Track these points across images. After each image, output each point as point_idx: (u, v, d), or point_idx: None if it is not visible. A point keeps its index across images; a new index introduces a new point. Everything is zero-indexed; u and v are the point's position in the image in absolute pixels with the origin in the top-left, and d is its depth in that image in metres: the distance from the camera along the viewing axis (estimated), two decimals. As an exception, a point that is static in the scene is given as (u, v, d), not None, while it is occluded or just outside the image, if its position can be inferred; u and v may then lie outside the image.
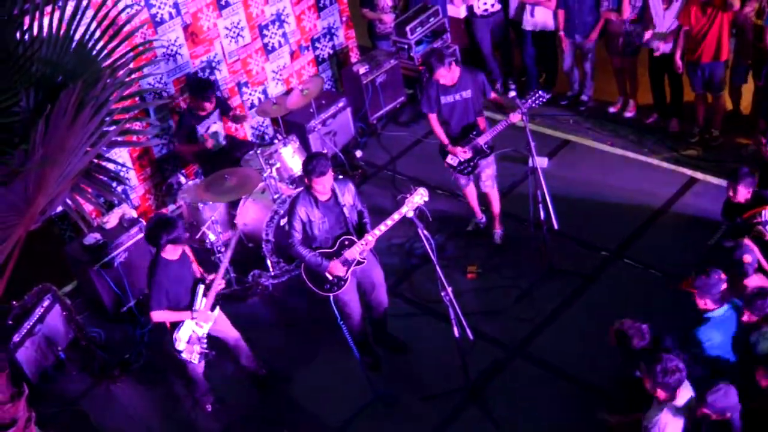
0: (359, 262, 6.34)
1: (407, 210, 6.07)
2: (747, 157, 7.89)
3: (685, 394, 5.04)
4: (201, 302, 6.22)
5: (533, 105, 7.07)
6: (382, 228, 6.19)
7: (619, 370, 5.85)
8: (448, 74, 7.06)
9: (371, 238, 6.22)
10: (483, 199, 7.72)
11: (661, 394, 5.02)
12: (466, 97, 7.14)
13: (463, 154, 7.26)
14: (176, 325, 6.20)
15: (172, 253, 6.08)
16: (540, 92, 7.06)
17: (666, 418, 5.02)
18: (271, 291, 7.75)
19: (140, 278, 7.78)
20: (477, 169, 7.37)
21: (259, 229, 7.60)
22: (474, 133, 7.23)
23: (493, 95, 7.27)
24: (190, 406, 6.85)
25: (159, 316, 6.15)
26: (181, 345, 6.23)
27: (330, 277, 6.30)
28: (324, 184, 6.11)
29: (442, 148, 7.38)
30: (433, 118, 7.31)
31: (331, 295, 6.40)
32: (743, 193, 6.46)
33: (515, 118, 6.97)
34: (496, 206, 7.67)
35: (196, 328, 6.26)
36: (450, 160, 7.37)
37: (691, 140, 8.56)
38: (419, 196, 6.13)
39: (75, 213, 4.47)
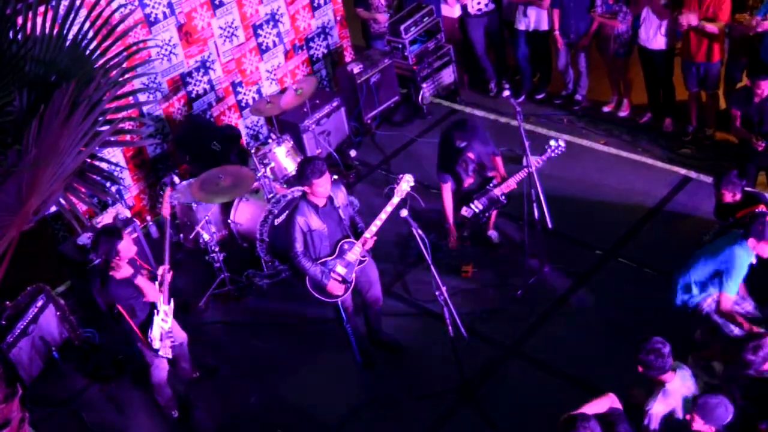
0: (361, 261, 6.36)
1: (398, 199, 6.09)
2: None
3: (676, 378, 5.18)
4: (161, 306, 6.19)
5: (552, 155, 7.02)
6: (378, 223, 6.21)
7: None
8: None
9: (368, 235, 6.25)
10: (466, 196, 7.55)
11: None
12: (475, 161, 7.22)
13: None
14: (146, 329, 6.11)
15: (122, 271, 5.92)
16: (558, 145, 6.99)
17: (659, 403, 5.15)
18: (265, 291, 7.73)
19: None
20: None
21: (253, 229, 7.59)
22: (491, 184, 7.27)
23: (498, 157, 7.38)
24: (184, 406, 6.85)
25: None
26: (156, 343, 6.14)
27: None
28: (325, 185, 6.06)
29: (462, 197, 7.39)
30: (446, 188, 7.33)
31: (339, 300, 6.42)
32: (728, 196, 6.47)
33: (499, 186, 7.19)
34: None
35: (162, 324, 6.18)
36: (464, 212, 7.35)
37: (684, 139, 8.58)
38: (406, 183, 6.17)
39: (69, 213, 4.45)
